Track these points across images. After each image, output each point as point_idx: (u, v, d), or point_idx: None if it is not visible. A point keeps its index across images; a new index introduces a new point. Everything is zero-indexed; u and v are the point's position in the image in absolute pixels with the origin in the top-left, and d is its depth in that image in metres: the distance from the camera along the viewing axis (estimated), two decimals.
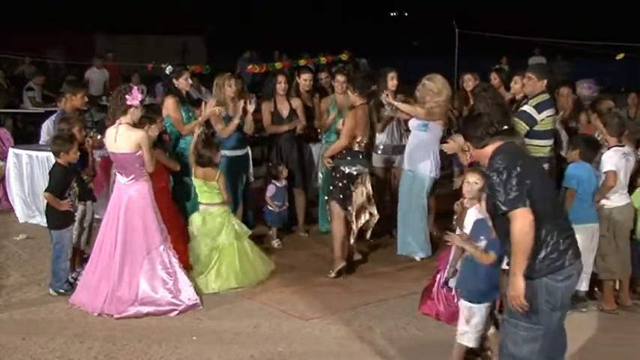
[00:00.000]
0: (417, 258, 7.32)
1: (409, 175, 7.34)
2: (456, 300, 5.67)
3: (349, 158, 6.79)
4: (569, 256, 3.95)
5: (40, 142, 8.58)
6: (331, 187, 6.88)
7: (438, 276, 5.81)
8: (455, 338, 4.81)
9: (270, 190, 7.75)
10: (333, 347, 5.37)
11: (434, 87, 7.21)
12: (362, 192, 6.81)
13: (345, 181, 6.78)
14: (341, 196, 6.79)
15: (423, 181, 7.31)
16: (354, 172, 6.78)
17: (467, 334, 4.75)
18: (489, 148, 4.13)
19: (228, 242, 6.62)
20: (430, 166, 7.30)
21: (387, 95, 7.43)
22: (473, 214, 4.98)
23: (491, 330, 4.83)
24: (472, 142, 4.24)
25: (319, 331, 5.65)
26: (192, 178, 6.81)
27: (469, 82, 8.17)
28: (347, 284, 6.67)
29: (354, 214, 6.78)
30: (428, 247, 7.39)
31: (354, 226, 6.81)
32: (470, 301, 4.72)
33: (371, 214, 6.88)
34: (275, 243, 7.75)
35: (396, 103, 7.35)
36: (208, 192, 6.71)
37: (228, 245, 6.61)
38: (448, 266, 5.34)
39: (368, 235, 7.09)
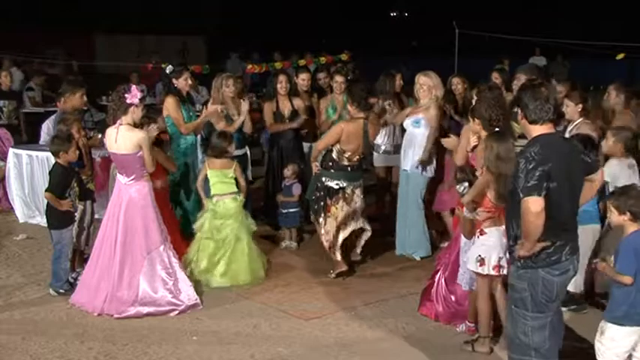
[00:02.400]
0: (417, 258, 7.32)
1: (406, 174, 7.33)
2: (454, 300, 5.70)
3: (333, 171, 6.74)
4: (566, 252, 4.11)
5: (40, 142, 8.57)
6: (313, 197, 6.87)
7: (437, 277, 5.82)
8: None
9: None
10: (333, 347, 5.38)
11: (430, 82, 7.22)
12: (342, 207, 6.73)
13: (322, 193, 6.75)
14: (315, 206, 6.80)
15: (418, 180, 7.30)
16: (335, 187, 6.73)
17: (601, 348, 4.48)
18: (535, 129, 4.13)
19: (240, 236, 6.63)
20: (429, 166, 7.29)
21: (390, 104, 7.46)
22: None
23: None
24: (523, 110, 4.17)
25: (319, 331, 5.65)
26: (207, 170, 6.83)
27: (458, 85, 8.15)
28: (347, 284, 6.68)
29: (331, 230, 6.71)
30: (428, 246, 7.39)
31: (324, 240, 6.76)
32: (609, 322, 4.47)
33: (362, 230, 6.86)
34: (283, 244, 7.76)
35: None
36: (223, 183, 6.73)
37: (240, 239, 6.63)
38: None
39: (358, 250, 7.05)
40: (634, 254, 4.40)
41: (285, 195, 7.69)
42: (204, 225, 6.68)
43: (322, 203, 6.75)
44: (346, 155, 6.71)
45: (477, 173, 5.13)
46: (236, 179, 6.80)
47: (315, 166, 6.90)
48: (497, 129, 5.24)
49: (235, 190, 6.76)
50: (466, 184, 5.20)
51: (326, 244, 6.79)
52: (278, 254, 7.46)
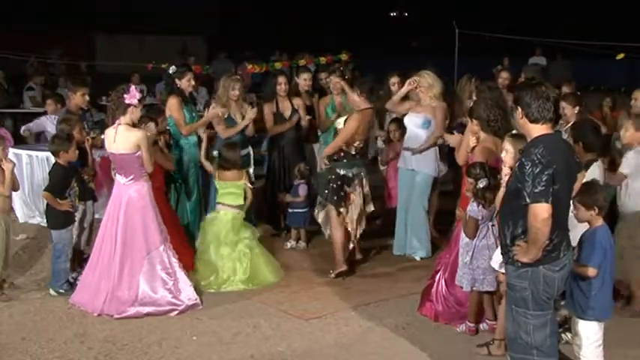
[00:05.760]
0: (417, 258, 7.32)
1: (408, 173, 7.32)
2: (454, 301, 5.69)
3: (345, 161, 6.80)
4: (563, 247, 4.16)
5: (24, 129, 8.68)
6: (326, 191, 6.87)
7: (437, 277, 5.82)
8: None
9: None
10: (333, 347, 5.37)
11: (424, 82, 7.22)
12: (359, 193, 6.82)
13: (339, 182, 6.78)
14: (335, 197, 6.80)
15: (426, 180, 7.30)
16: (350, 175, 6.79)
17: (580, 350, 4.69)
18: (536, 129, 4.10)
19: (251, 244, 6.72)
20: (433, 165, 7.30)
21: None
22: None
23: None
24: (523, 110, 4.13)
25: (319, 331, 5.65)
26: (216, 181, 6.87)
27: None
28: (347, 284, 6.68)
29: (354, 217, 6.79)
30: (428, 246, 7.38)
31: (350, 229, 6.82)
32: (579, 317, 4.66)
33: (368, 213, 6.97)
34: (288, 244, 7.78)
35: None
36: (233, 193, 6.79)
37: (253, 247, 6.72)
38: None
39: (359, 232, 7.06)
40: (600, 247, 4.55)
41: (292, 195, 7.70)
42: (207, 243, 6.75)
43: (342, 193, 6.79)
44: (355, 144, 6.80)
45: (503, 176, 4.94)
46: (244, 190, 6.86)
47: (324, 163, 6.91)
48: (514, 131, 5.19)
49: (241, 203, 6.82)
50: (485, 180, 5.17)
51: (352, 232, 6.85)
52: (278, 254, 7.44)
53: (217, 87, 8.21)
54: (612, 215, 5.90)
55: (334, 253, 6.85)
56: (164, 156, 6.79)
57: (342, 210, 6.79)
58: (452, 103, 7.75)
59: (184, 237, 6.96)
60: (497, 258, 4.96)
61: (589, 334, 4.64)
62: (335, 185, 6.79)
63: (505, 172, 4.81)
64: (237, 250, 6.63)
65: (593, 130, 5.85)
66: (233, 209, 6.79)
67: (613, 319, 4.92)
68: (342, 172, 6.78)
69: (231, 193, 6.79)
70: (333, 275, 6.78)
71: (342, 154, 6.81)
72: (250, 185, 6.93)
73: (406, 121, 7.41)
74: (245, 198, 6.86)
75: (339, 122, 7.02)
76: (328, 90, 8.57)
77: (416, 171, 7.29)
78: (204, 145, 7.03)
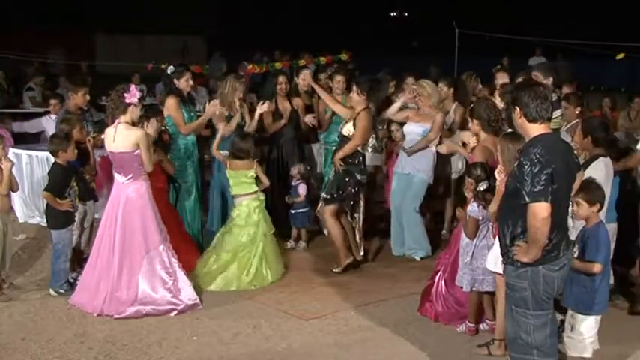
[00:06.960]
0: (417, 258, 7.32)
1: (404, 177, 7.32)
2: (454, 301, 5.69)
3: (363, 167, 6.96)
4: (563, 247, 4.16)
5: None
6: (341, 192, 6.88)
7: (437, 277, 5.82)
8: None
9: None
10: (333, 347, 5.37)
11: (423, 92, 7.22)
12: (362, 197, 7.05)
13: (357, 189, 6.90)
14: (352, 202, 6.92)
15: (421, 185, 7.29)
16: (364, 181, 6.95)
17: (574, 343, 4.75)
18: (534, 129, 4.10)
19: (266, 233, 6.78)
20: (428, 170, 7.29)
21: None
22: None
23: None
24: (522, 109, 4.12)
25: (319, 331, 5.66)
26: (227, 171, 6.88)
27: (480, 86, 8.12)
28: (347, 284, 6.68)
29: (360, 218, 7.03)
30: (427, 246, 7.38)
31: (357, 230, 7.07)
32: (584, 313, 4.71)
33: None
34: (288, 244, 7.78)
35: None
36: (245, 183, 6.81)
37: (266, 235, 6.78)
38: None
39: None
40: (604, 244, 4.64)
41: (292, 195, 7.70)
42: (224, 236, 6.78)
43: (357, 198, 6.99)
44: (366, 144, 7.04)
45: (498, 176, 4.96)
46: (257, 178, 6.89)
47: (340, 164, 6.90)
48: (509, 130, 5.20)
49: (255, 189, 6.83)
50: (486, 182, 5.17)
51: (358, 235, 7.09)
52: None
53: (213, 85, 8.20)
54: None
55: (337, 251, 6.91)
56: (166, 158, 6.79)
57: (355, 216, 6.99)
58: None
59: (185, 236, 6.96)
60: (491, 259, 4.97)
61: (589, 328, 4.69)
62: (353, 190, 6.91)
63: (498, 170, 4.85)
64: (254, 238, 6.69)
65: (602, 125, 5.83)
66: (248, 197, 6.80)
67: (609, 318, 4.95)
68: (358, 177, 6.90)
69: (243, 182, 6.80)
70: (339, 269, 6.85)
71: (361, 158, 6.95)
72: (263, 175, 6.96)
73: (406, 130, 7.41)
74: (258, 184, 6.89)
75: (347, 129, 6.96)
76: (328, 90, 8.57)
77: (412, 175, 7.29)
78: (218, 137, 7.09)
